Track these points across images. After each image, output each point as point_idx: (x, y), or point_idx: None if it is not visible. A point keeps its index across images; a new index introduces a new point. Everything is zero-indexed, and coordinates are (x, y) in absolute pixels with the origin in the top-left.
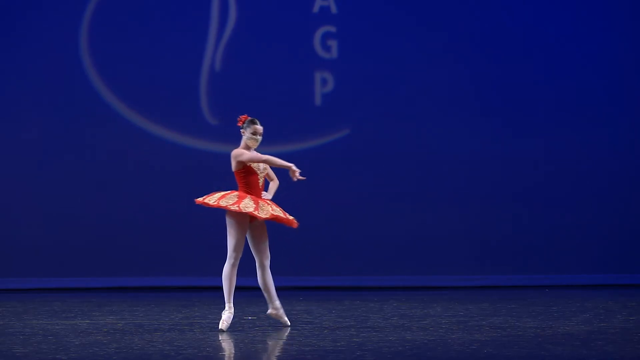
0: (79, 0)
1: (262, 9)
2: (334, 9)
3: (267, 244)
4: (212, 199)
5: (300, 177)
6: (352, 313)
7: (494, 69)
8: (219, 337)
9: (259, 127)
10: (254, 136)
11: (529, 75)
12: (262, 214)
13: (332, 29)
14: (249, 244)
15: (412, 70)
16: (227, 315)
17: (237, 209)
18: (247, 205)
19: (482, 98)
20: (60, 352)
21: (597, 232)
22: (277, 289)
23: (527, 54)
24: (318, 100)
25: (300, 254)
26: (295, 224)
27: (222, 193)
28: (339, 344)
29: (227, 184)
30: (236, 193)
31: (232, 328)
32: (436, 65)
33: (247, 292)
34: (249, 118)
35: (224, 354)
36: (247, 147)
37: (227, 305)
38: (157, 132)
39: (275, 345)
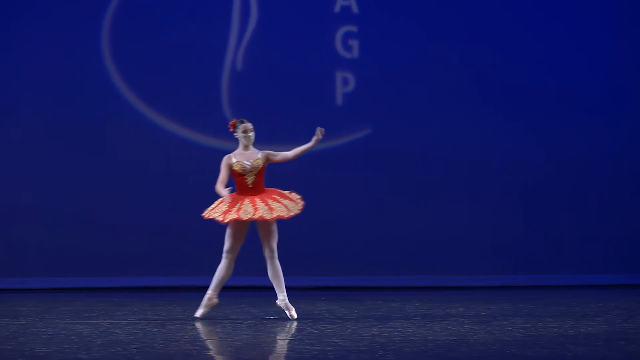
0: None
1: (283, 8)
2: (355, 9)
3: (270, 238)
4: (206, 212)
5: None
6: (374, 313)
7: (516, 70)
8: (241, 336)
9: (249, 125)
10: (246, 134)
11: (536, 77)
12: (226, 219)
13: (353, 28)
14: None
15: (432, 70)
16: (204, 300)
17: (221, 219)
18: (216, 211)
19: (504, 98)
20: (82, 352)
21: (620, 231)
22: (299, 288)
23: (546, 56)
24: (339, 100)
25: (323, 253)
26: (284, 217)
27: (216, 203)
28: (361, 344)
29: None
30: (228, 201)
31: (254, 327)
32: (457, 65)
33: (264, 292)
34: (237, 120)
35: (246, 353)
36: (245, 147)
37: (209, 291)
38: (179, 131)
39: (298, 344)
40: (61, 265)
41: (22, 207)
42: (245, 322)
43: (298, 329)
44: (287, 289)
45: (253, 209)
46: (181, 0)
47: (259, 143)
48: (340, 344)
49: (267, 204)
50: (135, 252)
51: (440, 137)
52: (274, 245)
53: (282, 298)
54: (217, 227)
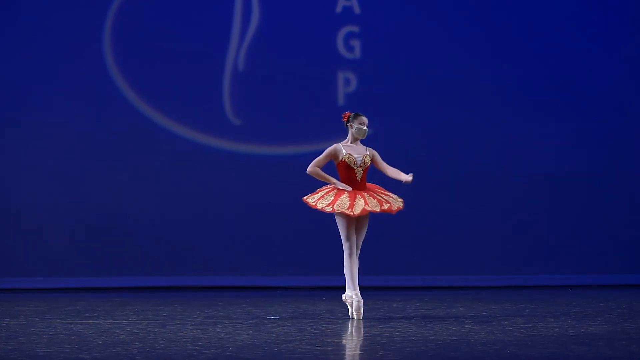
0: (102, 0)
1: (285, 8)
2: (357, 9)
3: (362, 236)
4: (312, 199)
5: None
6: (375, 313)
7: (517, 69)
8: (241, 336)
9: (365, 118)
10: (362, 126)
11: (535, 76)
12: (356, 211)
13: (355, 28)
14: None
15: (435, 70)
16: (355, 304)
17: (330, 210)
18: (342, 204)
19: (504, 99)
20: (83, 352)
21: (621, 231)
22: (300, 288)
23: (541, 53)
24: (341, 100)
25: (323, 254)
26: (393, 210)
27: (322, 193)
28: (361, 344)
29: (248, 184)
30: (334, 192)
31: (255, 327)
32: (459, 66)
33: (265, 291)
34: (353, 113)
35: (246, 353)
36: (354, 139)
37: (352, 293)
38: (180, 131)
39: (298, 344)
40: (62, 265)
41: (22, 206)
42: (246, 322)
43: (298, 329)
44: (288, 289)
45: (363, 202)
46: (183, 1)
47: (261, 144)
48: (340, 343)
49: (375, 198)
50: (136, 252)
51: (442, 137)
52: (361, 241)
53: (356, 293)
54: (218, 227)
